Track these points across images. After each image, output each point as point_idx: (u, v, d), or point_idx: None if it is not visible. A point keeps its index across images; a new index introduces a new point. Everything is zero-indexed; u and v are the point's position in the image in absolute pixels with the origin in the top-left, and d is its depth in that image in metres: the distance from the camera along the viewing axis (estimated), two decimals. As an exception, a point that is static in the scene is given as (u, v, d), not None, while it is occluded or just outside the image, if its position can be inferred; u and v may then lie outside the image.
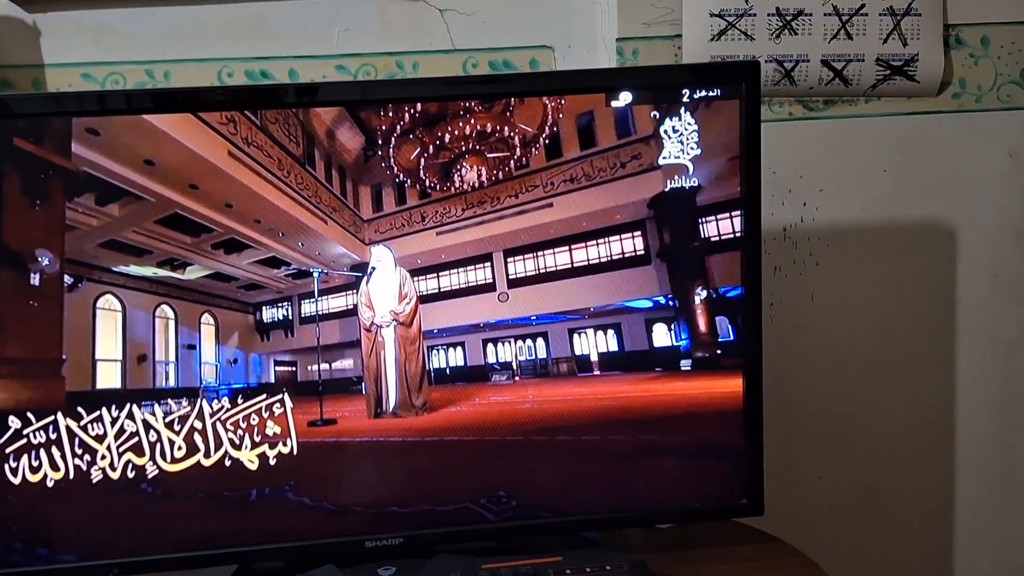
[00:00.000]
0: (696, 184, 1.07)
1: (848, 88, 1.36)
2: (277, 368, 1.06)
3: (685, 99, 1.06)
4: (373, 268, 1.04)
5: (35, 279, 1.02)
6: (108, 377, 1.04)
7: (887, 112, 1.39)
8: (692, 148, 1.06)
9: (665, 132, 1.06)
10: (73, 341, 1.02)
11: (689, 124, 1.05)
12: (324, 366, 1.06)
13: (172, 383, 1.05)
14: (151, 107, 1.01)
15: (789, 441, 1.42)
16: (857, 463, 1.49)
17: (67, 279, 1.02)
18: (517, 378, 1.07)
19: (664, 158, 1.06)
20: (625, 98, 1.06)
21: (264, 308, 1.06)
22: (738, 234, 1.07)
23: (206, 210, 1.03)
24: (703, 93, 1.06)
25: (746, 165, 1.06)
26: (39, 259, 1.01)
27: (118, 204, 1.02)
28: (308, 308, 1.05)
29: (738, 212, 1.06)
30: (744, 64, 1.10)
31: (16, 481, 1.00)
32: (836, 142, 1.40)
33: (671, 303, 1.09)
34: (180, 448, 1.02)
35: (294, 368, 1.06)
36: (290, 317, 1.06)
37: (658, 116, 1.06)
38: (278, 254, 1.05)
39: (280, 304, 1.06)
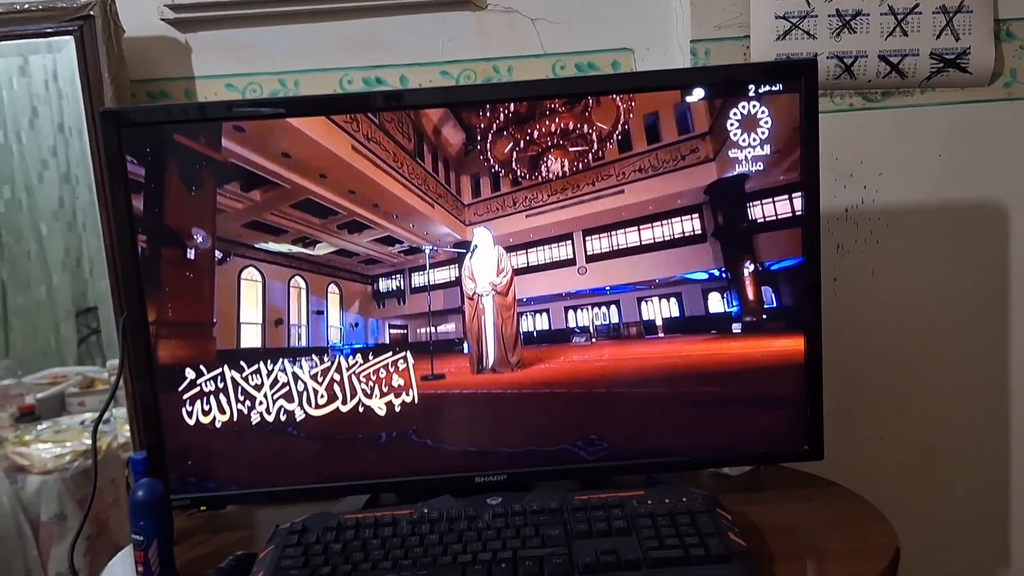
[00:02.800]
0: (748, 172, 1.21)
1: (904, 80, 1.47)
2: (391, 331, 1.24)
3: (751, 94, 1.19)
4: (475, 246, 1.22)
5: (191, 254, 1.21)
6: (251, 338, 1.24)
7: (941, 102, 1.50)
8: (754, 139, 1.20)
9: (731, 124, 1.20)
10: (222, 307, 1.22)
11: (754, 116, 1.19)
12: (432, 329, 1.24)
13: (304, 343, 1.25)
14: (287, 112, 1.19)
15: (852, 406, 1.54)
16: (916, 427, 1.60)
17: (217, 254, 1.22)
18: (594, 340, 1.24)
19: (727, 148, 1.20)
20: (698, 94, 1.20)
21: (380, 280, 1.24)
22: (784, 215, 1.20)
23: (332, 196, 1.22)
24: (767, 88, 1.19)
25: (806, 150, 1.20)
26: (194, 237, 1.21)
27: (259, 190, 1.21)
28: (418, 280, 1.24)
29: (785, 196, 1.20)
30: (803, 62, 1.22)
31: (191, 423, 1.22)
32: (894, 130, 1.51)
33: (724, 275, 1.23)
34: (323, 396, 1.22)
35: (406, 331, 1.24)
36: (402, 287, 1.24)
37: (725, 109, 1.19)
38: (393, 234, 1.23)
39: (394, 276, 1.24)
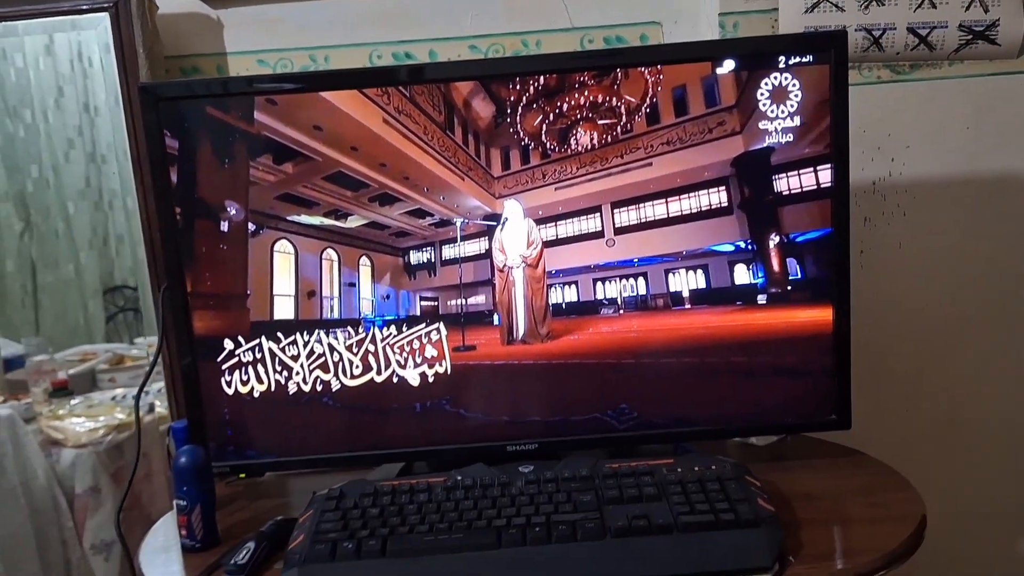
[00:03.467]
0: (775, 144, 1.22)
1: (932, 53, 1.47)
2: (422, 303, 1.27)
3: (781, 66, 1.20)
4: (506, 219, 1.24)
5: (224, 226, 1.23)
6: (284, 309, 1.27)
7: (969, 74, 1.49)
8: (782, 111, 1.20)
9: (759, 97, 1.20)
10: (256, 279, 1.25)
11: (783, 89, 1.20)
12: (463, 301, 1.26)
13: (336, 315, 1.27)
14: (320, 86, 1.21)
15: (876, 377, 1.55)
16: (941, 397, 1.62)
17: (250, 226, 1.23)
18: (622, 311, 1.25)
19: (754, 121, 1.21)
20: (729, 66, 1.20)
21: (411, 252, 1.26)
22: (810, 188, 1.21)
23: (364, 168, 1.24)
24: (797, 60, 1.20)
25: (836, 122, 1.20)
26: (228, 209, 1.22)
27: (291, 163, 1.23)
28: (447, 252, 1.26)
29: (812, 168, 1.21)
30: (834, 34, 1.23)
31: (230, 392, 1.25)
32: (921, 102, 1.51)
33: (750, 247, 1.24)
34: (358, 367, 1.25)
35: (436, 303, 1.26)
36: (433, 260, 1.26)
37: (753, 82, 1.20)
38: (423, 206, 1.25)
39: (424, 248, 1.26)
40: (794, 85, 1.20)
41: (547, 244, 1.24)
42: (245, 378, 1.24)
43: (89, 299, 3.88)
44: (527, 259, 1.24)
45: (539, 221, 1.24)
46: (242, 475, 1.27)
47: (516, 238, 1.24)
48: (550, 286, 1.25)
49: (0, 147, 3.47)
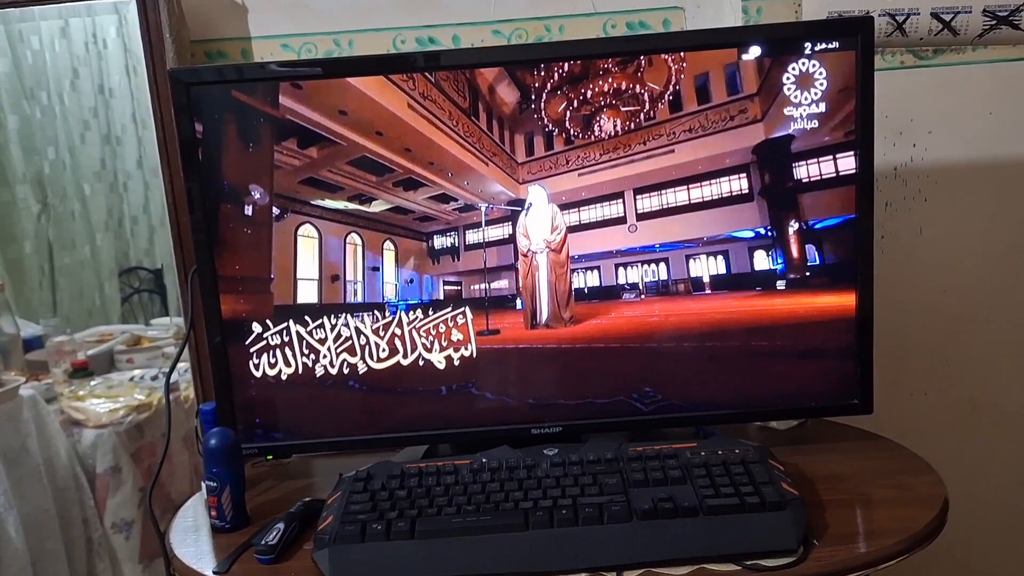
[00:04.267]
0: (796, 131, 1.22)
1: (956, 38, 1.46)
2: (446, 287, 1.28)
3: (806, 52, 1.20)
4: (530, 204, 1.24)
5: (249, 210, 1.24)
6: (307, 293, 1.28)
7: (993, 59, 1.49)
8: (805, 97, 1.21)
9: (781, 83, 1.20)
10: (279, 262, 1.26)
11: (807, 75, 1.20)
12: (487, 285, 1.27)
13: (360, 299, 1.28)
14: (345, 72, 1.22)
15: (897, 361, 1.56)
16: (961, 382, 1.62)
17: (275, 210, 1.24)
18: (643, 296, 1.26)
19: (776, 108, 1.21)
20: (755, 52, 1.20)
21: (435, 237, 1.27)
22: (829, 175, 1.22)
23: (389, 153, 1.25)
24: (823, 47, 1.20)
25: (861, 108, 1.20)
26: (252, 193, 1.23)
27: (316, 147, 1.24)
28: (471, 237, 1.27)
29: (832, 155, 1.21)
30: (860, 19, 1.22)
31: (258, 375, 1.26)
32: (944, 88, 1.51)
33: (770, 233, 1.25)
34: (384, 350, 1.26)
35: (460, 287, 1.27)
36: (457, 244, 1.27)
37: (775, 69, 1.20)
38: (447, 191, 1.26)
39: (448, 233, 1.27)
40: (819, 72, 1.20)
41: (570, 229, 1.24)
42: (273, 361, 1.25)
43: (105, 280, 3.91)
44: (551, 244, 1.25)
45: (562, 207, 1.25)
46: (269, 456, 1.29)
47: (540, 223, 1.25)
48: (573, 271, 1.26)
49: (17, 129, 3.49)
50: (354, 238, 1.28)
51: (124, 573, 2.11)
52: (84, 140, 3.83)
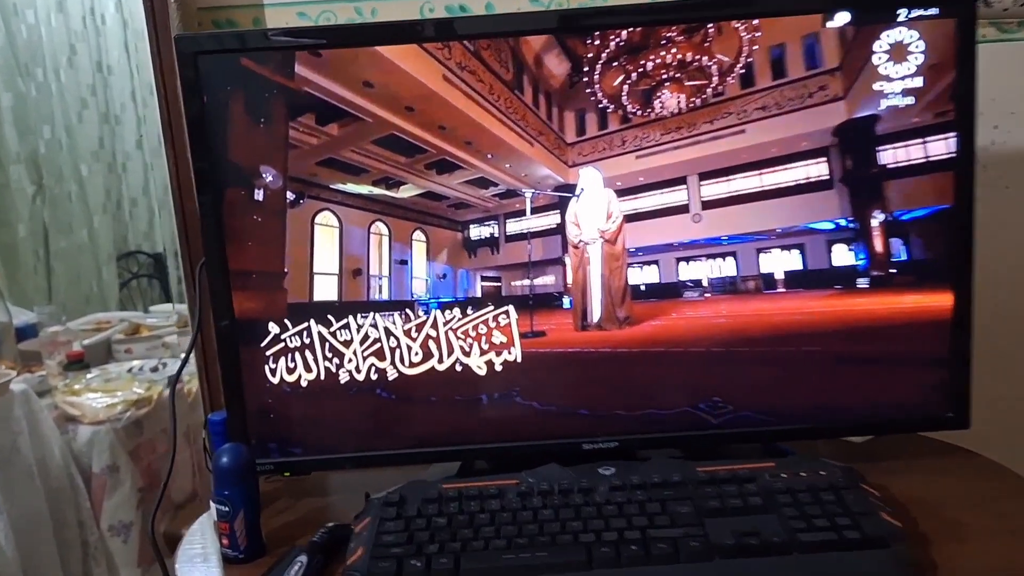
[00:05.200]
0: (883, 111, 1.08)
1: (1046, 8, 1.32)
2: (483, 283, 1.14)
3: (900, 20, 1.05)
4: (582, 189, 1.10)
5: (259, 195, 1.09)
6: (326, 289, 1.13)
7: (1085, 32, 1.34)
8: (896, 73, 1.06)
9: (867, 57, 1.06)
10: (294, 255, 1.11)
11: (896, 47, 1.06)
12: (530, 281, 1.13)
13: (385, 296, 1.14)
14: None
15: (982, 367, 1.41)
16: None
17: (289, 195, 1.10)
18: (708, 294, 1.12)
19: (859, 85, 1.07)
20: (840, 19, 1.06)
21: (472, 226, 1.13)
22: (919, 159, 1.08)
23: (420, 131, 1.10)
24: (918, 14, 1.05)
25: (960, 85, 1.07)
26: (263, 176, 1.08)
27: (337, 124, 1.09)
28: (513, 227, 1.12)
29: (926, 138, 1.07)
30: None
31: (274, 381, 1.11)
32: (1030, 64, 1.36)
33: (852, 225, 1.11)
34: (417, 354, 1.12)
35: (500, 283, 1.13)
36: (496, 235, 1.13)
37: (861, 40, 1.06)
38: (487, 175, 1.11)
39: (487, 222, 1.13)
40: (912, 42, 1.06)
41: (627, 219, 1.10)
42: (291, 365, 1.11)
43: (103, 265, 3.77)
44: (605, 234, 1.11)
45: (618, 193, 1.10)
46: (287, 474, 1.15)
47: (594, 211, 1.11)
48: (629, 265, 1.11)
49: (12, 107, 3.35)
50: (379, 227, 1.13)
51: (122, 577, 1.99)
52: (81, 119, 3.69)
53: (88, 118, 3.67)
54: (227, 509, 0.97)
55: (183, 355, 1.19)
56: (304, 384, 1.11)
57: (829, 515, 0.91)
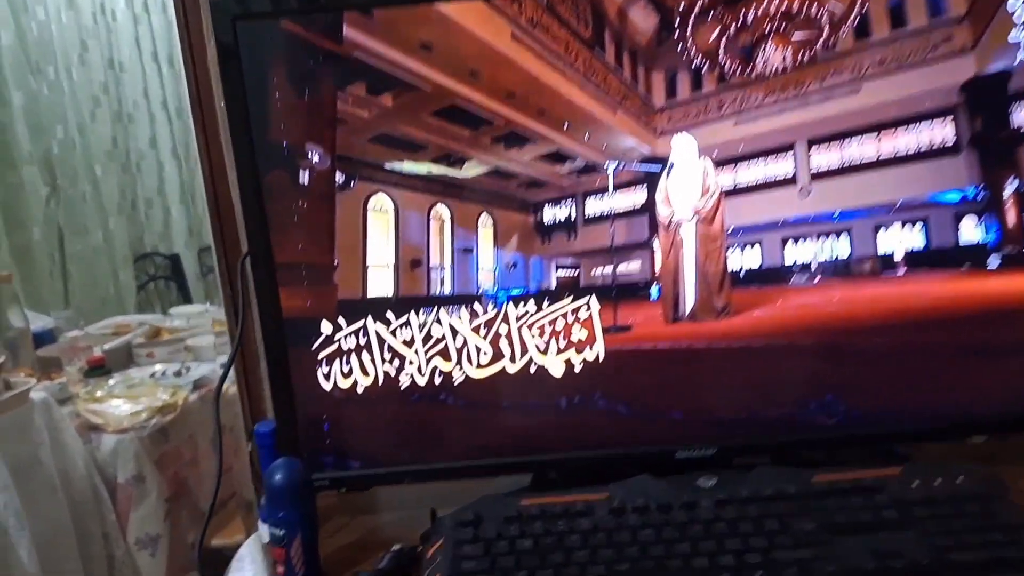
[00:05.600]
0: (1019, 64, 0.94)
1: None
2: (559, 272, 1.00)
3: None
4: (673, 162, 0.96)
5: (304, 178, 0.96)
6: (381, 283, 1.00)
7: None
8: (1031, 18, 0.93)
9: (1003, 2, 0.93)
10: (344, 244, 0.98)
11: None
12: (613, 268, 0.99)
13: (448, 290, 1.01)
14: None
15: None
16: None
17: (338, 177, 0.96)
18: (818, 278, 0.98)
19: (992, 34, 0.93)
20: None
21: (546, 207, 1.00)
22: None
23: (486, 100, 0.96)
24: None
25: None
26: (309, 155, 0.95)
27: (391, 94, 0.96)
28: (593, 207, 0.99)
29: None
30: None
31: (327, 387, 0.98)
32: None
33: (982, 195, 0.97)
34: (486, 354, 0.98)
35: (578, 272, 1.00)
36: (573, 217, 0.99)
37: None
38: (563, 148, 0.98)
39: (563, 202, 0.99)
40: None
41: (724, 194, 0.97)
42: (346, 369, 0.98)
43: (119, 267, 3.67)
44: (700, 212, 0.97)
45: (715, 165, 0.97)
46: (342, 490, 1.01)
47: (687, 186, 0.97)
48: (728, 247, 0.98)
49: (23, 106, 3.25)
50: (440, 211, 1.00)
51: (150, 593, 1.88)
52: (94, 118, 3.58)
53: (101, 117, 3.57)
54: (282, 533, 0.84)
55: (219, 359, 1.06)
56: (360, 390, 0.98)
57: (978, 530, 0.77)
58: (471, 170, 0.99)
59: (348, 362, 0.97)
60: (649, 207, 0.98)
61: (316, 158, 0.96)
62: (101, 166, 3.58)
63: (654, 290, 0.99)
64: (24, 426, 1.76)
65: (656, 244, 0.98)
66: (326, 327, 0.97)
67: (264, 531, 0.87)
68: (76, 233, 3.45)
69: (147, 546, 2.00)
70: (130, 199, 3.78)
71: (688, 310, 0.99)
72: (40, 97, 3.32)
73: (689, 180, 0.96)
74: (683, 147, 0.96)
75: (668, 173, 0.97)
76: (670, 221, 0.98)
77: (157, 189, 3.88)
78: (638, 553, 0.80)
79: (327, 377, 0.97)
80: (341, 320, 0.97)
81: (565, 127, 0.97)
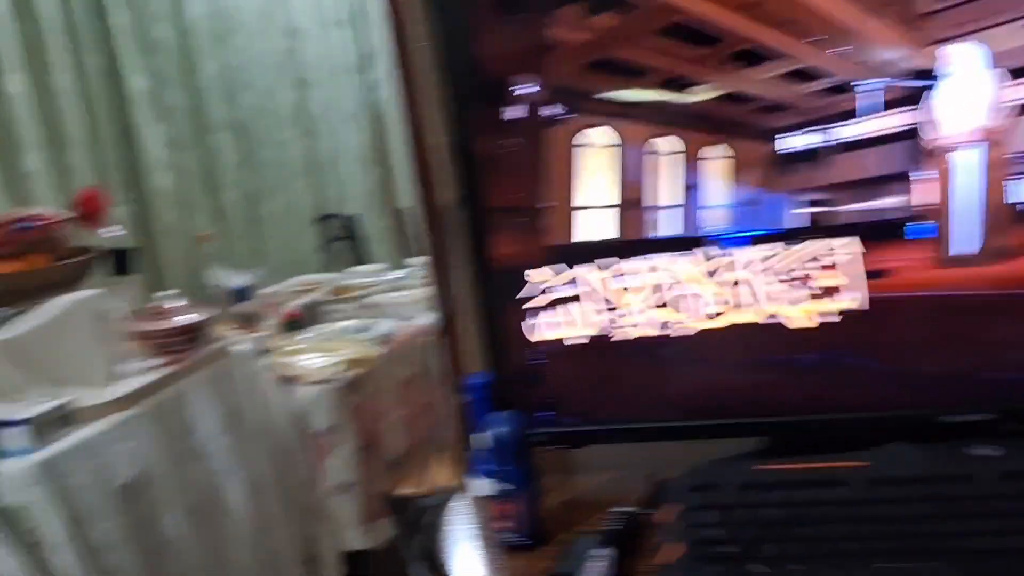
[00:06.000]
0: None
1: None
2: (808, 209, 0.88)
3: None
4: (948, 75, 0.82)
5: (515, 112, 0.88)
6: (599, 226, 0.92)
7: None
8: None
9: None
10: (557, 184, 0.90)
11: None
12: (871, 204, 0.86)
13: (675, 231, 0.91)
14: None
15: None
16: None
17: (550, 110, 0.89)
18: None
19: None
20: None
21: (788, 135, 0.88)
22: None
23: (717, 13, 0.85)
24: None
25: None
26: (519, 87, 0.87)
27: (609, 13, 0.86)
28: (847, 132, 0.86)
29: None
30: None
31: (536, 339, 0.91)
32: None
33: None
34: (716, 303, 0.88)
35: (830, 209, 0.87)
36: (822, 145, 0.87)
37: None
38: (809, 65, 0.85)
39: (809, 129, 0.87)
40: None
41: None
42: (559, 320, 0.90)
43: (303, 229, 3.83)
44: (990, 133, 0.82)
45: (1011, 75, 0.81)
46: (565, 447, 0.94)
47: (967, 103, 0.82)
48: (1019, 176, 0.82)
49: (217, 74, 3.42)
50: (664, 144, 0.90)
51: (346, 536, 2.00)
52: (278, 84, 3.72)
53: (284, 83, 3.69)
54: (513, 488, 0.78)
55: (424, 310, 1.02)
56: (574, 343, 0.90)
57: None
58: (699, 95, 0.88)
59: (562, 313, 0.90)
60: (918, 130, 0.84)
61: (528, 90, 0.89)
62: (285, 131, 3.72)
63: (923, 228, 0.85)
64: (227, 378, 1.83)
65: (926, 174, 0.84)
66: (537, 275, 0.90)
67: (486, 485, 0.81)
68: (265, 196, 3.61)
69: (343, 492, 2.05)
70: (313, 162, 3.91)
71: (968, 251, 0.84)
72: (231, 66, 3.48)
73: (970, 97, 0.81)
74: (962, 58, 0.81)
75: (941, 90, 0.82)
76: (945, 146, 0.83)
77: (337, 152, 3.99)
78: (906, 530, 0.68)
79: (538, 328, 0.90)
80: (553, 268, 0.90)
81: (812, 40, 0.84)
